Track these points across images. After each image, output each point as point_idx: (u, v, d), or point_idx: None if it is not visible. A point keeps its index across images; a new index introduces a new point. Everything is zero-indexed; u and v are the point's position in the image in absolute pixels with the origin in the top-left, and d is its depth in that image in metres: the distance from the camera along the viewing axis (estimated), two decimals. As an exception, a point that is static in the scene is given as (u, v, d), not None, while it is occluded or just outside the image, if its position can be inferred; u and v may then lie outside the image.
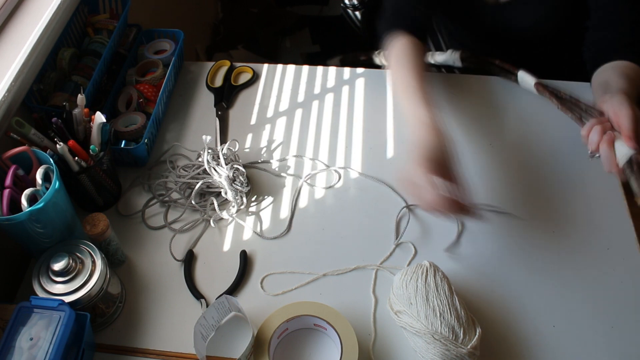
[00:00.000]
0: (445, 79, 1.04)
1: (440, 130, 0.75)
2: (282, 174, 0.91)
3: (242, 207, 0.87)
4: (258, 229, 0.85)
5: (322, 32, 2.02)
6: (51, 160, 0.73)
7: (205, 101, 1.03)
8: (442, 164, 0.71)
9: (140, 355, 0.73)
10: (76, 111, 0.80)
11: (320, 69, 1.07)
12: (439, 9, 0.99)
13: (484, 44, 1.08)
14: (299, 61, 1.94)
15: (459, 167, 0.72)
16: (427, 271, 0.71)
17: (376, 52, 1.09)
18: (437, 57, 1.02)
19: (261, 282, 0.79)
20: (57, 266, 0.67)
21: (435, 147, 0.72)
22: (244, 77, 1.07)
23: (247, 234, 0.85)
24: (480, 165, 0.90)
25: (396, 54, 0.90)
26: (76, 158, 0.77)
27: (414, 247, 0.81)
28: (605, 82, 0.82)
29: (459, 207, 0.70)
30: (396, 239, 0.82)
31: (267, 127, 0.98)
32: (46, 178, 0.72)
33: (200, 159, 0.89)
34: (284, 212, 0.87)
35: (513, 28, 0.97)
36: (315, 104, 1.01)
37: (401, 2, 0.96)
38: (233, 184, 0.85)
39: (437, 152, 0.72)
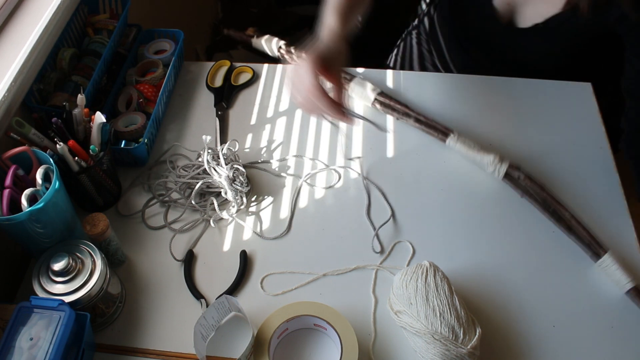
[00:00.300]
0: (446, 79, 1.04)
1: (340, 36, 0.76)
2: (282, 174, 0.91)
3: (242, 207, 0.87)
4: (258, 229, 0.85)
5: (322, 32, 2.02)
6: (51, 160, 0.73)
7: (205, 101, 1.03)
8: (330, 64, 0.73)
9: (140, 355, 0.73)
10: (76, 111, 0.80)
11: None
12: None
13: (486, 60, 1.06)
14: (299, 61, 1.93)
15: (343, 74, 0.74)
16: (427, 271, 0.71)
17: (256, 36, 1.12)
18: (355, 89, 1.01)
19: (261, 282, 0.79)
20: (57, 266, 0.67)
21: (329, 48, 0.75)
22: (244, 77, 1.07)
23: (247, 234, 0.85)
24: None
25: None
26: (76, 158, 0.77)
27: (412, 247, 0.81)
28: None
29: (331, 105, 0.71)
30: (379, 246, 0.82)
31: (267, 127, 0.98)
32: (46, 178, 0.72)
33: (200, 159, 0.89)
34: (284, 212, 0.87)
35: (521, 55, 0.95)
36: (315, 104, 1.01)
37: None
38: (233, 184, 0.85)
39: (328, 53, 0.74)
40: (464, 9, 0.98)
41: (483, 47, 1.04)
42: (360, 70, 1.05)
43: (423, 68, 1.19)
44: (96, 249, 0.71)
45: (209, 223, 0.85)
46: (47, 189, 0.69)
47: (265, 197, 0.89)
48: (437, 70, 1.23)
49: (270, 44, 1.10)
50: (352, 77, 1.00)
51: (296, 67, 0.74)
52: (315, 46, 0.75)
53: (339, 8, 0.79)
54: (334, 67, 0.74)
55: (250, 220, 0.86)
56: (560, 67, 0.95)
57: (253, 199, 0.89)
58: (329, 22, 0.78)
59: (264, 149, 0.95)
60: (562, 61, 0.93)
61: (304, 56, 0.73)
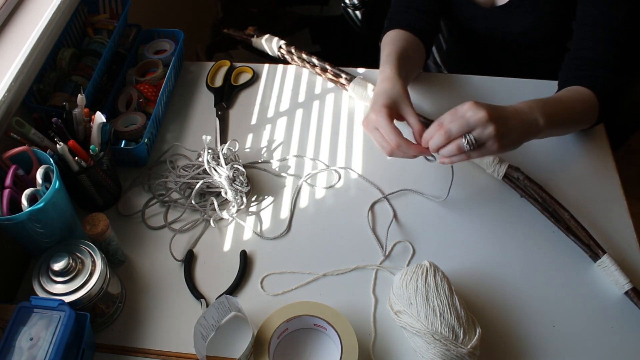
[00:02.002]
0: (446, 79, 1.04)
1: (397, 78, 0.81)
2: (282, 174, 0.91)
3: (242, 207, 0.87)
4: (258, 229, 0.85)
5: (322, 32, 2.02)
6: (51, 160, 0.73)
7: (205, 101, 1.03)
8: (397, 106, 0.78)
9: (140, 355, 0.73)
10: (76, 111, 0.80)
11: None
12: (436, 12, 1.00)
13: (479, 46, 1.08)
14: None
15: (413, 112, 0.78)
16: (427, 271, 0.71)
17: (256, 35, 1.13)
18: None
19: (261, 282, 0.79)
20: (57, 266, 0.67)
21: (391, 94, 0.79)
22: (244, 77, 1.07)
23: (247, 234, 0.85)
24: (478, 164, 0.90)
25: (385, 40, 0.96)
26: (76, 158, 0.77)
27: (412, 247, 0.81)
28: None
29: (413, 147, 0.75)
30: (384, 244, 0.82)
31: (268, 127, 0.99)
32: (46, 178, 0.72)
33: (200, 159, 0.89)
34: (284, 212, 0.87)
35: (506, 32, 0.98)
36: (316, 104, 1.01)
37: (398, 6, 1.01)
38: (233, 184, 0.85)
39: (393, 98, 0.78)
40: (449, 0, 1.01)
41: (471, 34, 1.06)
42: (360, 70, 1.05)
43: (424, 67, 1.20)
44: (96, 249, 0.71)
45: (209, 223, 0.85)
46: (47, 189, 0.69)
47: (266, 197, 0.89)
48: (437, 67, 1.23)
49: (271, 44, 1.10)
50: (352, 77, 1.00)
51: (369, 121, 0.78)
52: (377, 98, 0.79)
53: (392, 60, 0.86)
54: (402, 107, 0.78)
55: (250, 220, 0.86)
56: (545, 40, 0.97)
57: (253, 199, 0.89)
58: (385, 72, 0.83)
59: (264, 149, 0.95)
60: (545, 32, 0.94)
61: (373, 109, 0.77)
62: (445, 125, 0.71)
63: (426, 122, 0.89)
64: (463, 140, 0.71)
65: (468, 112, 0.70)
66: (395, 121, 0.77)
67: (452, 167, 0.85)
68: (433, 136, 0.73)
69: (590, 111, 0.84)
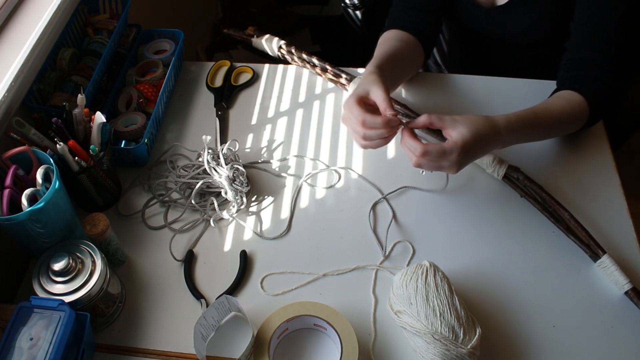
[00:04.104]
0: (446, 79, 1.04)
1: (375, 74, 0.80)
2: (282, 174, 0.91)
3: (242, 207, 0.87)
4: (258, 229, 0.85)
5: (322, 32, 2.02)
6: (51, 160, 0.73)
7: (205, 101, 1.03)
8: (367, 95, 0.78)
9: (140, 355, 0.73)
10: (76, 111, 0.80)
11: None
12: (437, 12, 1.00)
13: (479, 46, 1.08)
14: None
15: (382, 93, 0.77)
16: (427, 271, 0.71)
17: (256, 35, 1.13)
18: None
19: (261, 282, 0.79)
20: (57, 266, 0.67)
21: (363, 84, 0.80)
22: (244, 77, 1.07)
23: (247, 234, 0.85)
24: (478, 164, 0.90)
25: (379, 41, 0.96)
26: (76, 158, 0.77)
27: (412, 247, 0.81)
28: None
29: (379, 118, 0.74)
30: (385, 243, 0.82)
31: (268, 127, 0.98)
32: (46, 178, 0.72)
33: (200, 159, 0.89)
34: (284, 212, 0.87)
35: (506, 32, 0.98)
36: (316, 104, 1.01)
37: (398, 5, 1.00)
38: (233, 184, 0.85)
39: (364, 87, 0.79)
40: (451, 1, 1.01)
41: (471, 34, 1.06)
42: (360, 70, 1.05)
43: (424, 66, 1.20)
44: (96, 249, 0.71)
45: (209, 223, 0.85)
46: (47, 189, 0.69)
47: (266, 197, 0.89)
48: (438, 67, 1.23)
49: (271, 44, 1.10)
50: (352, 77, 1.00)
51: (344, 110, 0.79)
52: (354, 90, 0.81)
53: (377, 61, 0.85)
54: (372, 92, 0.78)
55: (250, 220, 0.86)
56: (545, 40, 0.97)
57: (253, 199, 0.89)
58: (366, 71, 0.83)
59: (264, 149, 0.95)
60: (544, 32, 0.95)
61: (348, 98, 0.78)
62: (423, 161, 0.74)
63: (415, 116, 0.90)
64: (422, 170, 0.77)
65: (445, 163, 0.73)
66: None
67: None
68: (410, 151, 0.75)
69: (574, 118, 0.84)
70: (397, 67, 0.89)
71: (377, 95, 0.77)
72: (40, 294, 0.67)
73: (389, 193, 0.88)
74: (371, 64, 0.85)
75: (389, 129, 0.75)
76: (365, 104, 0.78)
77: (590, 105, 0.83)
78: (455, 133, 0.74)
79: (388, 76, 0.83)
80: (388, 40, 0.94)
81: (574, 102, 0.84)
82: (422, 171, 0.79)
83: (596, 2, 0.83)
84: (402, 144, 0.76)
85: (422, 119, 0.76)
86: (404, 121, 0.76)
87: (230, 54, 1.91)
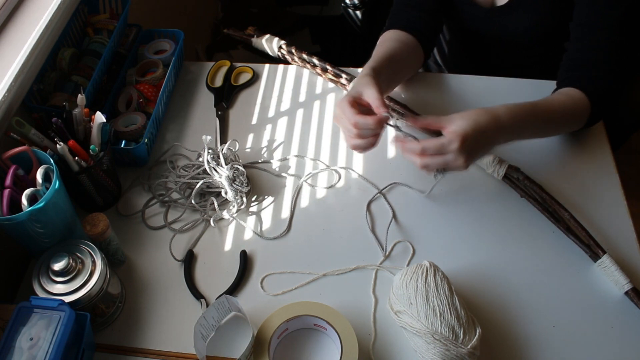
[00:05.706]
0: (446, 79, 1.04)
1: (369, 75, 0.80)
2: (282, 174, 0.91)
3: (242, 207, 0.87)
4: (258, 229, 0.85)
5: (322, 32, 2.02)
6: (51, 160, 0.73)
7: (205, 101, 1.03)
8: (360, 95, 0.78)
9: (140, 355, 0.73)
10: (76, 111, 0.80)
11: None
12: (437, 12, 1.00)
13: (479, 46, 1.08)
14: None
15: (375, 92, 0.77)
16: (427, 271, 0.71)
17: (256, 35, 1.13)
18: None
19: (261, 282, 0.79)
20: (57, 266, 0.67)
21: (356, 85, 0.80)
22: (244, 77, 1.07)
23: (247, 234, 0.85)
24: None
25: (378, 42, 0.97)
26: (76, 158, 0.77)
27: (412, 247, 0.81)
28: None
29: (370, 118, 0.75)
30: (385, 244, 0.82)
31: (268, 127, 0.98)
32: (46, 178, 0.72)
33: (200, 159, 0.89)
34: (284, 212, 0.87)
35: (506, 32, 0.98)
36: (317, 104, 1.01)
37: (399, 5, 1.00)
38: (233, 184, 0.85)
39: (357, 88, 0.79)
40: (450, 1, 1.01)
41: (471, 34, 1.06)
42: (360, 70, 1.04)
43: (424, 67, 1.20)
44: (96, 249, 0.71)
45: (209, 223, 0.85)
46: (47, 189, 0.69)
47: (266, 197, 0.89)
48: (438, 67, 1.23)
49: (271, 44, 1.10)
50: (352, 77, 1.00)
51: (335, 114, 0.80)
52: (348, 91, 0.81)
53: (372, 63, 0.86)
54: (365, 92, 0.78)
55: (250, 220, 0.86)
56: (545, 40, 0.98)
57: (253, 199, 0.89)
58: (362, 72, 0.84)
59: (265, 149, 0.95)
60: (544, 32, 0.95)
61: (342, 98, 0.79)
62: (425, 159, 0.73)
63: (415, 116, 0.91)
64: (434, 173, 0.77)
65: (449, 156, 0.73)
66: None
67: None
68: (410, 154, 0.74)
69: (576, 114, 0.84)
70: (394, 68, 0.90)
71: (370, 95, 0.77)
72: (40, 294, 0.67)
73: (383, 188, 0.88)
74: (367, 66, 0.85)
75: (381, 128, 0.76)
76: (358, 104, 0.78)
77: (591, 103, 0.83)
78: (453, 125, 0.73)
79: (384, 78, 0.83)
80: (387, 41, 0.94)
81: (575, 97, 0.84)
82: (435, 174, 0.78)
83: (595, 2, 0.83)
84: (403, 152, 0.76)
85: (420, 119, 0.76)
86: (399, 120, 0.76)
87: (230, 54, 1.91)
